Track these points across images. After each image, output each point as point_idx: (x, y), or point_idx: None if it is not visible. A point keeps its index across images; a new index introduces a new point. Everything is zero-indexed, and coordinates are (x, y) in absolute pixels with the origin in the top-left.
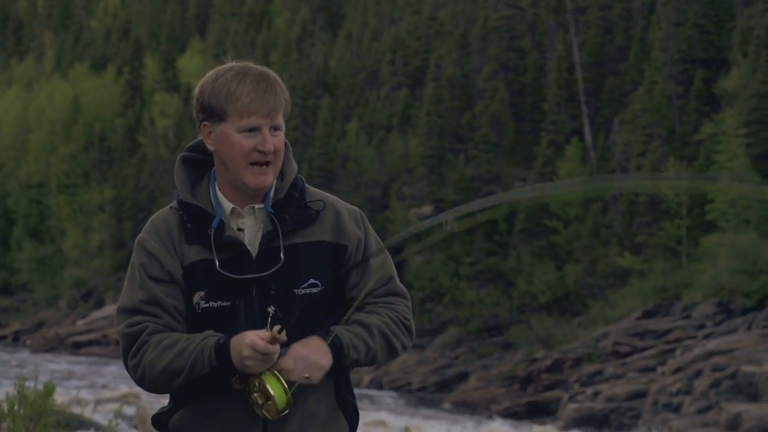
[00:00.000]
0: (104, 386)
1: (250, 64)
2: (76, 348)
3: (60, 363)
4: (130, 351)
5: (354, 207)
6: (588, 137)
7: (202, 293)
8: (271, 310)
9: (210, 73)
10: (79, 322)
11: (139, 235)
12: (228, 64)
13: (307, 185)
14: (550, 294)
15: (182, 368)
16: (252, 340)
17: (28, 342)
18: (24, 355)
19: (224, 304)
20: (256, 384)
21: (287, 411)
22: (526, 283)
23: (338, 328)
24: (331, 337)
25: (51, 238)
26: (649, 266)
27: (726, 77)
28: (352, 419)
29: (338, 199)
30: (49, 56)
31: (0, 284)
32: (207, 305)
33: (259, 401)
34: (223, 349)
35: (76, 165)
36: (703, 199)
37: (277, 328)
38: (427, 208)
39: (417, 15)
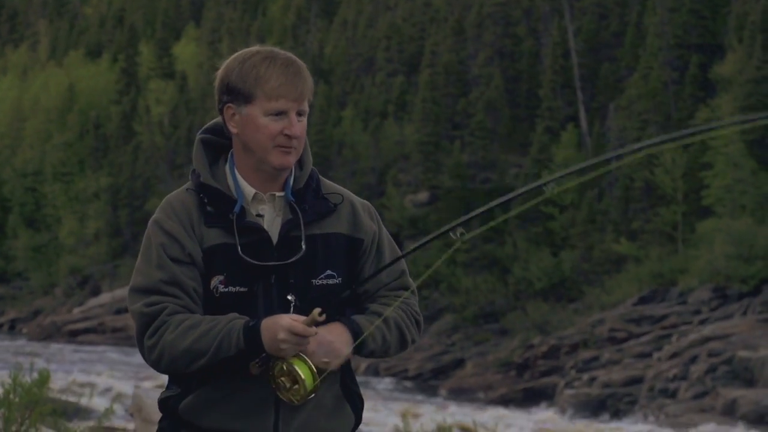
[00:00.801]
0: (100, 374)
1: (276, 48)
2: (73, 336)
3: (56, 351)
4: (147, 330)
5: (366, 201)
6: (583, 123)
7: (221, 277)
8: (291, 297)
9: (236, 56)
10: (76, 310)
11: (155, 215)
12: (253, 48)
13: (321, 177)
14: (546, 280)
15: (207, 350)
16: (290, 323)
17: (25, 330)
18: (20, 343)
19: (242, 289)
20: (284, 367)
21: (313, 395)
22: (522, 269)
23: (359, 317)
24: (351, 325)
25: (47, 226)
26: (645, 252)
27: (721, 62)
28: (358, 408)
29: (351, 192)
30: (44, 44)
31: None
32: (226, 290)
33: (287, 385)
34: (252, 331)
35: (72, 153)
36: (699, 184)
37: (318, 310)
38: (422, 195)
39: (412, 1)
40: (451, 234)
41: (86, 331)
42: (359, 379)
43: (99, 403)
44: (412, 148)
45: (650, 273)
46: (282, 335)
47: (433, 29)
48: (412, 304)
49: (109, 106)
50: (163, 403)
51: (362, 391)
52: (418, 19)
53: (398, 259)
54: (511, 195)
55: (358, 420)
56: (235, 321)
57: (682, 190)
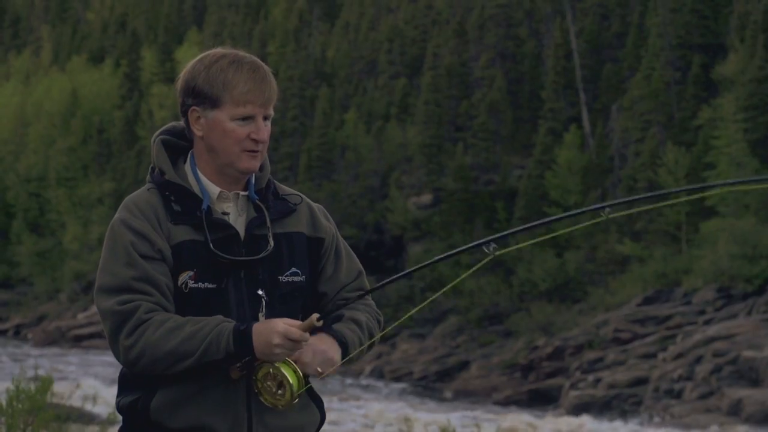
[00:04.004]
0: (105, 379)
1: (240, 51)
2: (78, 341)
3: (61, 356)
4: (123, 329)
5: (320, 205)
6: (586, 124)
7: (190, 273)
8: (261, 293)
9: (201, 59)
10: (80, 315)
11: (118, 215)
12: (218, 51)
13: (275, 181)
14: (551, 281)
15: (193, 352)
16: (286, 328)
17: (30, 336)
18: (25, 348)
19: (211, 285)
20: (270, 371)
21: (297, 400)
22: (526, 271)
23: (341, 326)
24: (337, 336)
25: (51, 232)
26: (649, 252)
27: (723, 62)
28: (321, 407)
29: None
30: (47, 49)
31: (0, 278)
32: (195, 285)
33: (273, 389)
34: (243, 335)
35: (75, 158)
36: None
37: (316, 316)
38: (426, 197)
39: (414, 4)
40: (484, 248)
41: (91, 336)
42: (364, 381)
43: (103, 409)
44: (415, 150)
45: (654, 273)
46: (277, 340)
47: (435, 31)
48: (372, 304)
49: (112, 111)
50: (130, 407)
51: (367, 394)
52: (420, 22)
53: (434, 262)
54: (554, 218)
55: (323, 418)
56: (224, 324)
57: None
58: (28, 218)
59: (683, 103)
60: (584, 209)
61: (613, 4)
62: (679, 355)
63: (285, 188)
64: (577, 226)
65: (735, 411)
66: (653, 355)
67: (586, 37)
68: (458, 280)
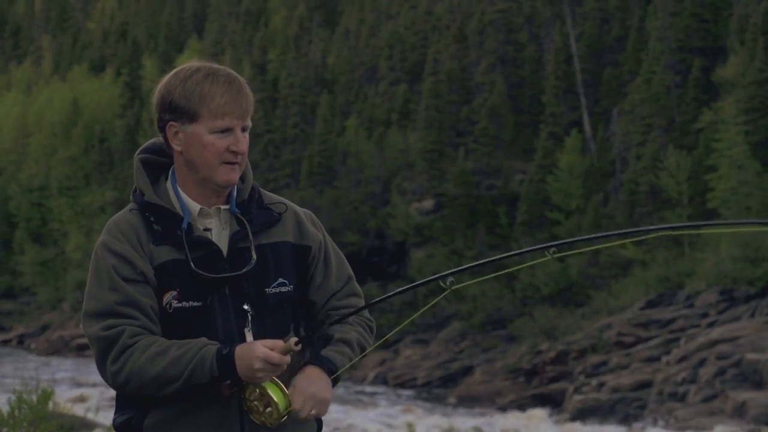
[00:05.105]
0: (107, 388)
1: (214, 64)
2: (81, 350)
3: (64, 365)
4: (109, 355)
5: (308, 210)
6: (587, 128)
7: (174, 293)
8: (247, 307)
9: (175, 74)
10: None
11: (101, 238)
12: (192, 64)
13: (261, 189)
14: (553, 286)
15: (178, 376)
16: (265, 353)
17: (33, 345)
18: (29, 358)
19: (196, 304)
20: (256, 391)
21: (286, 417)
22: (528, 275)
23: (330, 353)
24: (327, 366)
25: (53, 241)
26: (651, 256)
27: (724, 65)
28: (319, 418)
29: (292, 202)
30: (48, 59)
31: (3, 288)
32: (179, 305)
33: (260, 408)
34: (226, 359)
35: (77, 167)
36: (704, 187)
37: (294, 340)
38: (428, 202)
39: (414, 10)
40: (441, 283)
41: None
42: (368, 388)
43: (106, 417)
44: (416, 156)
45: (657, 277)
46: (258, 365)
47: (435, 37)
48: (364, 312)
49: (114, 120)
50: (124, 425)
51: (371, 400)
52: (420, 28)
53: (385, 298)
54: (504, 255)
55: (319, 428)
56: (208, 348)
57: (687, 194)
58: (30, 228)
59: (684, 107)
60: (531, 248)
61: (613, 8)
62: (683, 359)
63: (271, 196)
64: (523, 264)
65: (739, 413)
66: (657, 359)
67: (587, 41)
68: (414, 316)
